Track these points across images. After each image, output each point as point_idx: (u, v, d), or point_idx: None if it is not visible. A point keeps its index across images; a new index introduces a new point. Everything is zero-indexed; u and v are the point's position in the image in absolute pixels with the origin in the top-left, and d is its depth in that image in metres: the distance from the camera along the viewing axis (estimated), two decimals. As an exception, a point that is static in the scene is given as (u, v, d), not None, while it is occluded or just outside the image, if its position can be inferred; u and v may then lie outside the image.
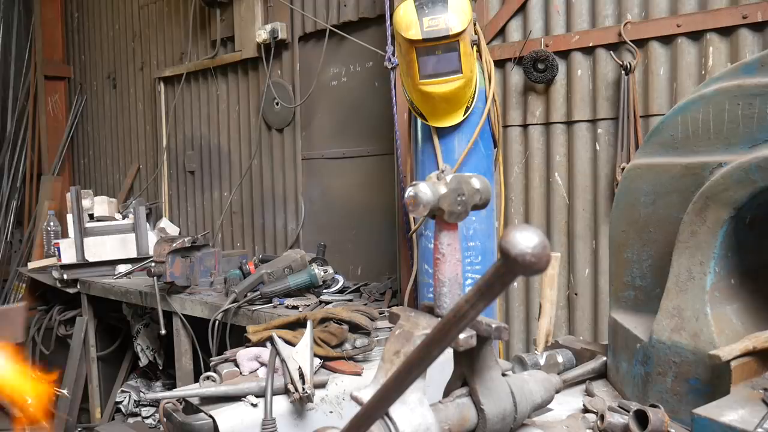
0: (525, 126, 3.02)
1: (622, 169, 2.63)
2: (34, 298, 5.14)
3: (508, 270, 0.51)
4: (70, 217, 4.36)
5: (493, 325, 0.97)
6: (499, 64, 3.00)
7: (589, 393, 1.42)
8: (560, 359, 1.57)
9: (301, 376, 1.79)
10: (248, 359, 1.95)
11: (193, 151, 4.90)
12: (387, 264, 3.58)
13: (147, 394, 4.19)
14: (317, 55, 3.87)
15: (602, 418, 1.21)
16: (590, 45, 2.76)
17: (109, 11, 5.79)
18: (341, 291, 3.27)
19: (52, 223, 4.91)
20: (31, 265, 4.92)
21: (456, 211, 0.97)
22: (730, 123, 1.26)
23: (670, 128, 1.39)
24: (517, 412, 1.05)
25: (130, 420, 4.40)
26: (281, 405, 1.80)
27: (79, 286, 4.29)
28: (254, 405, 1.77)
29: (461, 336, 0.93)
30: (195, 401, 1.79)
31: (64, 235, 4.74)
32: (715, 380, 1.19)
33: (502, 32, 3.04)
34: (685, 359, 1.24)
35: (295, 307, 2.91)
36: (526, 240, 0.50)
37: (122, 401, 4.46)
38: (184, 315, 3.41)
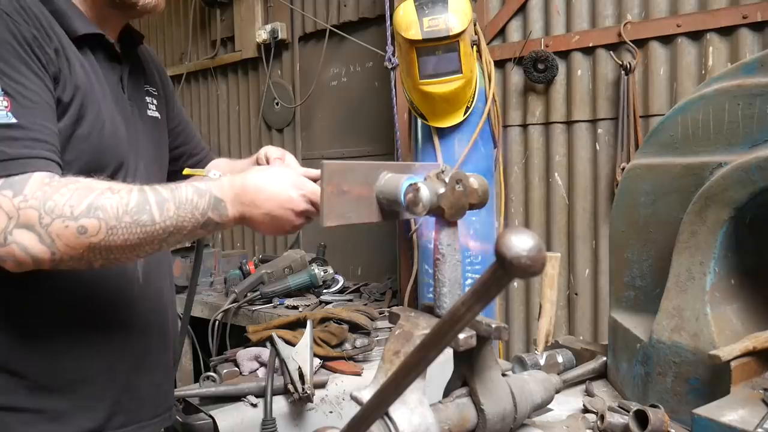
0: (525, 126, 3.02)
1: (622, 169, 2.63)
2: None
3: (504, 273, 0.51)
4: (70, 217, 4.35)
5: (493, 326, 0.96)
6: (499, 64, 3.00)
7: (589, 393, 1.42)
8: (560, 359, 1.57)
9: (301, 376, 1.79)
10: (248, 359, 1.95)
11: (193, 151, 4.90)
12: (387, 264, 3.58)
13: (147, 394, 4.18)
14: (317, 55, 3.87)
15: (602, 418, 1.21)
16: (590, 45, 2.76)
17: (109, 11, 5.79)
18: (341, 291, 3.27)
19: (52, 223, 4.91)
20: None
21: (455, 211, 0.97)
22: (730, 123, 1.26)
23: (670, 128, 1.39)
24: (517, 412, 1.05)
25: (130, 420, 4.39)
26: (281, 405, 1.80)
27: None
28: (254, 405, 1.77)
29: (461, 336, 0.93)
30: (195, 401, 1.79)
31: (64, 235, 4.74)
32: (715, 380, 1.18)
33: (502, 32, 3.04)
34: (685, 359, 1.24)
35: (295, 307, 2.91)
36: (521, 243, 0.50)
37: (122, 401, 4.45)
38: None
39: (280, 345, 1.92)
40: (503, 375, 1.07)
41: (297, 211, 1.14)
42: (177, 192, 1.08)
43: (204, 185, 1.11)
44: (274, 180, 1.14)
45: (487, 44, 2.84)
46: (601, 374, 1.55)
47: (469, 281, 2.45)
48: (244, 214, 1.12)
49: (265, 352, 1.94)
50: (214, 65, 4.57)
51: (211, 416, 1.70)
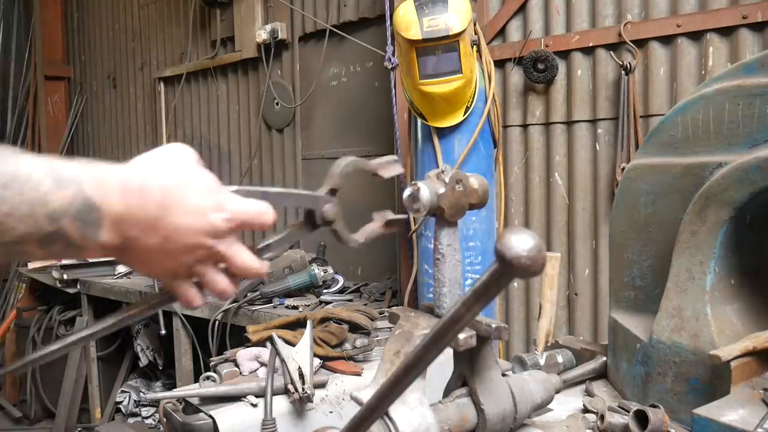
0: (525, 126, 3.02)
1: (622, 169, 2.63)
2: (34, 298, 5.14)
3: (504, 273, 0.51)
4: (70, 217, 4.35)
5: (493, 325, 0.96)
6: (499, 64, 3.00)
7: (589, 393, 1.42)
8: (560, 359, 1.57)
9: (301, 376, 1.79)
10: (248, 359, 1.95)
11: (193, 151, 4.90)
12: (387, 264, 3.58)
13: (147, 394, 4.19)
14: (317, 55, 3.87)
15: (602, 418, 1.21)
16: (590, 45, 2.76)
17: (109, 11, 5.79)
18: (341, 291, 3.27)
19: (52, 223, 4.90)
20: (32, 265, 4.91)
21: (455, 211, 0.97)
22: (730, 123, 1.26)
23: (670, 128, 1.39)
24: (517, 412, 1.05)
25: (130, 420, 4.40)
26: (281, 405, 1.80)
27: (79, 286, 4.28)
28: (254, 405, 1.77)
29: (461, 336, 0.93)
30: (195, 401, 1.79)
31: (64, 235, 4.73)
32: (715, 380, 1.18)
33: (502, 32, 3.03)
34: (685, 359, 1.24)
35: (295, 307, 2.91)
36: (521, 243, 0.50)
37: (122, 401, 4.46)
38: (184, 315, 3.41)
39: (280, 345, 1.92)
40: (503, 375, 1.07)
41: (210, 251, 0.70)
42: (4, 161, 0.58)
43: (71, 168, 0.62)
44: (192, 185, 0.69)
45: (487, 44, 2.83)
46: (601, 374, 1.55)
47: (469, 281, 2.45)
48: (132, 241, 0.65)
49: (265, 352, 1.94)
50: (214, 65, 4.56)
51: (211, 416, 1.70)
